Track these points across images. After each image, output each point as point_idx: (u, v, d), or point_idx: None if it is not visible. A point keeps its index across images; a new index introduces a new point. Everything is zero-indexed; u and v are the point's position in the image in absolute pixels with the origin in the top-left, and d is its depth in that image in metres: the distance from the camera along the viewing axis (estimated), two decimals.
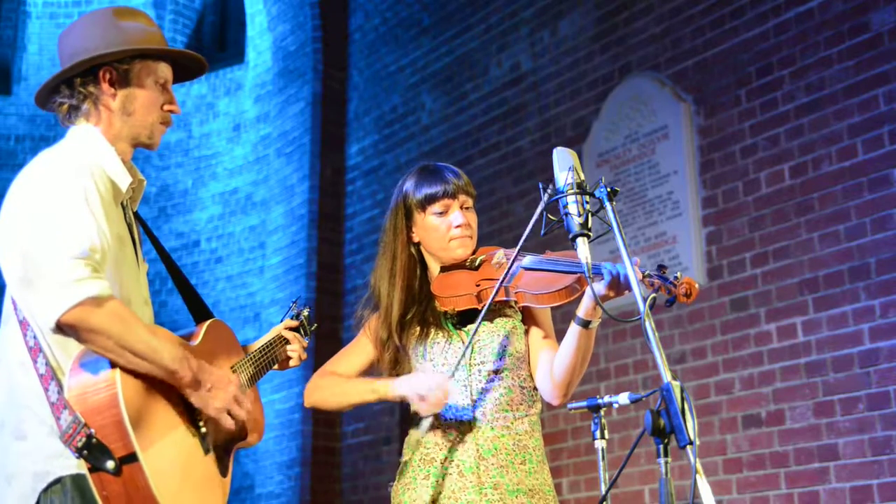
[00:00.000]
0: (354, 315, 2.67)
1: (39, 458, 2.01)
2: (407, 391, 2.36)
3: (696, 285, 2.12)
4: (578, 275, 2.24)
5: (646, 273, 2.14)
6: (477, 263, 2.52)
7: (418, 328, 2.51)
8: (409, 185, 2.57)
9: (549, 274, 2.33)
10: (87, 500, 1.98)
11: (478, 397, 2.43)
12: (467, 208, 2.55)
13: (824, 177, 4.40)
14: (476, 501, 2.36)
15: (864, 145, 4.27)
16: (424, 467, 2.44)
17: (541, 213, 2.19)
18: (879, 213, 4.17)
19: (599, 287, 2.19)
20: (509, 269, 2.34)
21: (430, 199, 2.52)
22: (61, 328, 1.94)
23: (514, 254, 2.34)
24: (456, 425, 2.42)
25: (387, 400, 2.45)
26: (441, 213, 2.52)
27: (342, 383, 2.56)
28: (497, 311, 2.48)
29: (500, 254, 2.52)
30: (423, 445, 2.46)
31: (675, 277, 2.12)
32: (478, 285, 2.45)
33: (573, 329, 2.32)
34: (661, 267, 2.16)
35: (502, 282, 2.33)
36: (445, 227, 2.51)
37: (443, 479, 2.40)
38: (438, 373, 2.41)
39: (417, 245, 2.58)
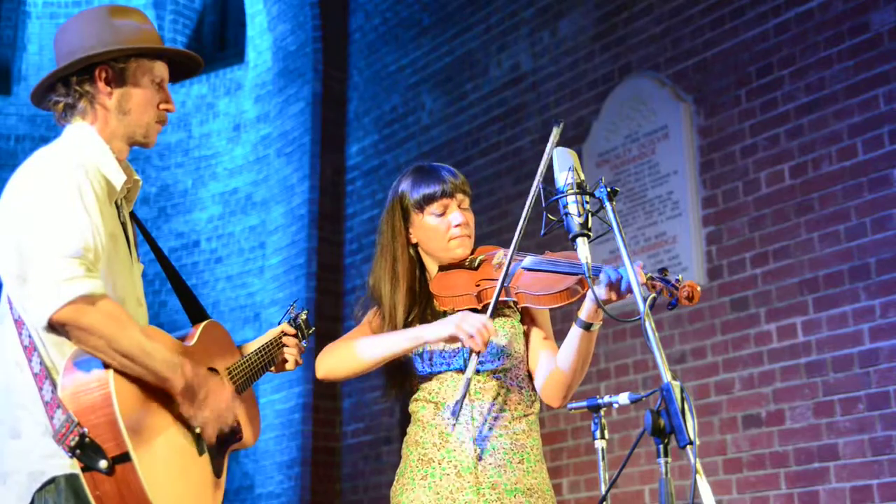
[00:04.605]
0: (354, 315, 2.64)
1: (34, 457, 2.01)
2: (454, 331, 2.28)
3: (699, 289, 2.10)
4: (579, 276, 2.23)
5: (648, 276, 2.12)
6: (476, 263, 2.50)
7: None
8: (405, 185, 2.53)
9: (550, 275, 2.32)
10: (82, 500, 1.97)
11: (475, 397, 2.42)
12: (465, 208, 2.53)
13: (824, 177, 4.39)
14: (474, 501, 2.34)
15: (864, 145, 4.27)
16: (422, 468, 2.42)
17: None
18: (879, 213, 4.17)
19: (601, 289, 2.18)
20: (507, 267, 2.33)
21: (429, 200, 2.49)
22: (53, 327, 1.93)
23: (511, 252, 2.33)
24: (453, 425, 2.41)
25: (428, 343, 2.36)
26: (439, 214, 2.49)
27: (365, 340, 2.45)
28: (496, 310, 2.45)
29: (499, 254, 2.50)
30: (421, 445, 2.44)
31: (678, 280, 2.11)
32: (477, 285, 2.44)
33: (574, 331, 2.31)
34: (662, 270, 2.14)
35: (503, 283, 2.32)
36: (444, 227, 2.49)
37: (441, 480, 2.39)
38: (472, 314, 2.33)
39: (415, 245, 2.56)
